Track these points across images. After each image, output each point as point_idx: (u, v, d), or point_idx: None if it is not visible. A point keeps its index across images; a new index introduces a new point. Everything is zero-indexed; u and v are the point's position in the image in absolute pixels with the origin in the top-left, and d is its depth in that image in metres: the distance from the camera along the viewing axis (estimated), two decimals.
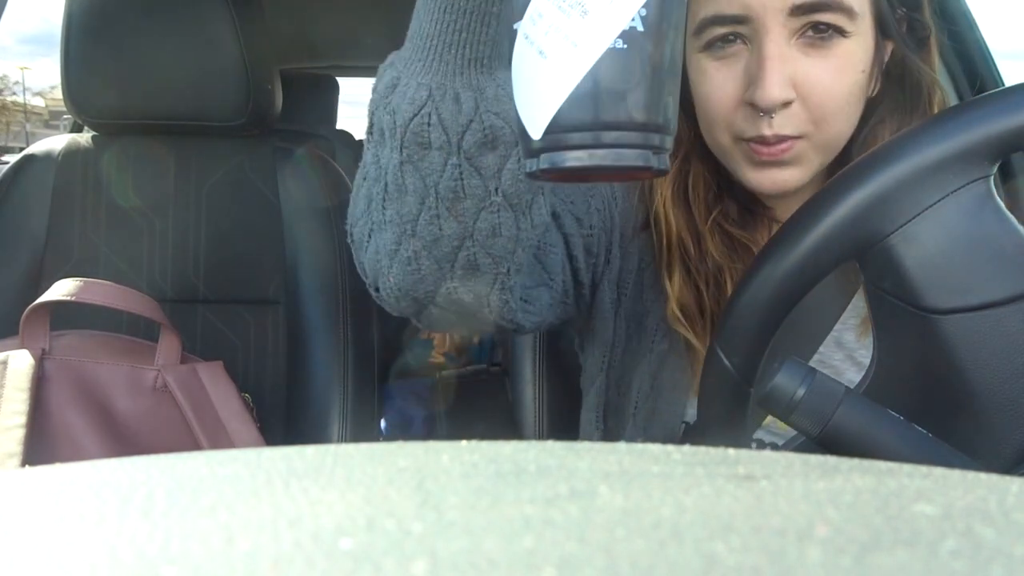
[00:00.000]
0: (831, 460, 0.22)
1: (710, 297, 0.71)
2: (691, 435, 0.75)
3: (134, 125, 1.15)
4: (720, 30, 0.64)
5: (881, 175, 0.44)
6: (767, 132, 0.63)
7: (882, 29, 0.65)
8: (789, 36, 0.62)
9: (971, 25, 1.16)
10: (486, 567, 0.14)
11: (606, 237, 0.74)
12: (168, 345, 0.96)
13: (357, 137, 2.72)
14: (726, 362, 0.48)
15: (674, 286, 0.72)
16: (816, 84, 0.63)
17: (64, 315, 0.95)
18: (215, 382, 0.97)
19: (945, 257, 0.44)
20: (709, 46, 0.65)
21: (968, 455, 0.44)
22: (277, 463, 0.21)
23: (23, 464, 0.79)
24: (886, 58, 0.68)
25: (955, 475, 0.21)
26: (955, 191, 0.44)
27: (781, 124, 0.63)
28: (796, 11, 0.61)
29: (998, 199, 0.44)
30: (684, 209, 0.72)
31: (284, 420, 1.12)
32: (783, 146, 0.64)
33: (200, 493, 0.19)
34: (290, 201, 1.16)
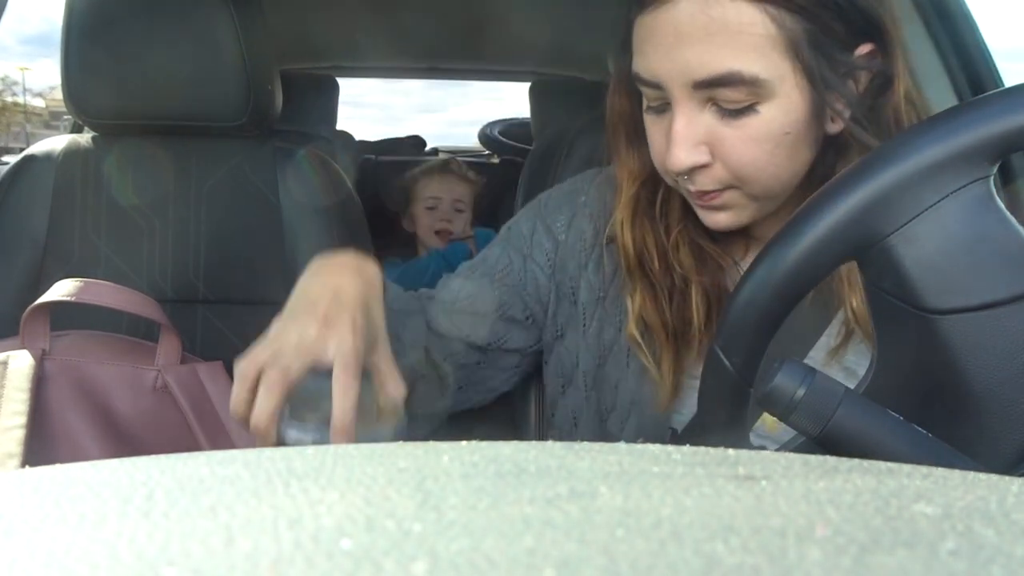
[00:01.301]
0: (831, 460, 0.22)
1: (673, 312, 0.72)
2: (683, 440, 0.75)
3: (134, 126, 1.15)
4: (646, 89, 0.65)
5: (881, 175, 0.44)
6: (690, 187, 0.66)
7: (815, 83, 0.61)
8: (702, 104, 0.62)
9: (971, 25, 1.16)
10: (486, 567, 0.14)
11: (540, 306, 0.80)
12: (168, 345, 0.96)
13: (357, 138, 2.72)
14: (726, 362, 0.48)
15: (635, 303, 0.73)
16: (731, 150, 0.63)
17: (64, 315, 0.95)
18: (215, 382, 0.97)
19: (945, 257, 0.44)
20: (649, 106, 0.67)
21: (968, 455, 0.44)
22: (277, 463, 0.21)
23: (23, 464, 0.79)
24: (851, 97, 0.64)
25: (955, 475, 0.21)
26: (955, 191, 0.44)
27: (701, 182, 0.65)
28: (699, 85, 0.61)
29: (998, 199, 0.44)
30: (646, 227, 0.73)
31: None
32: (709, 197, 0.66)
33: (200, 493, 0.19)
34: (290, 201, 1.16)
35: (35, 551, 0.16)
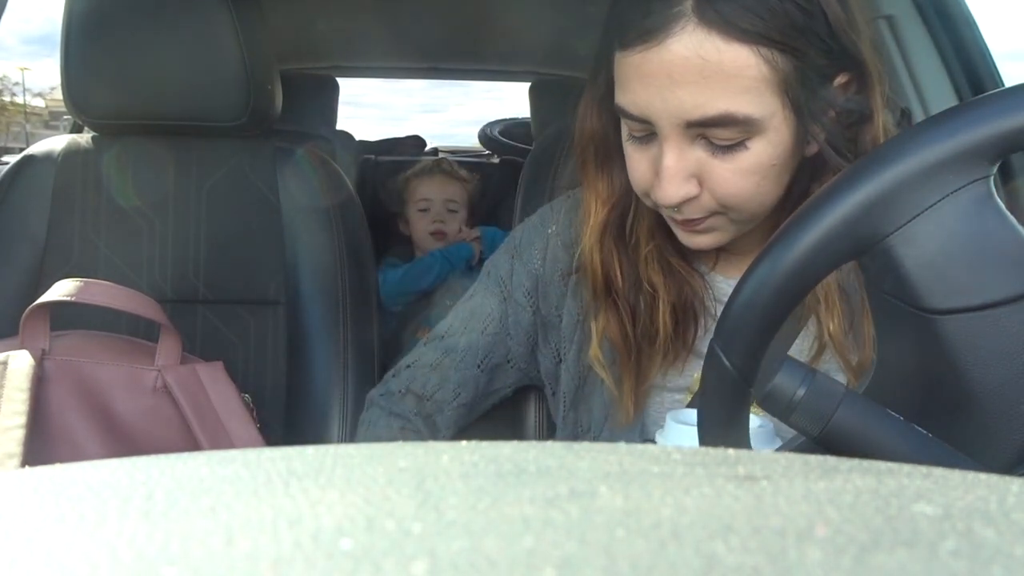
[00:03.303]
0: (831, 460, 0.22)
1: (638, 331, 0.74)
2: None
3: (134, 125, 1.15)
4: (631, 122, 0.65)
5: (881, 175, 0.44)
6: (676, 216, 0.67)
7: (801, 115, 0.62)
8: (692, 140, 0.62)
9: (971, 25, 1.16)
10: (486, 567, 0.14)
11: (525, 347, 0.84)
12: (168, 345, 0.96)
13: (357, 138, 2.72)
14: (726, 362, 0.48)
15: (599, 323, 0.75)
16: (720, 182, 0.63)
17: (64, 315, 0.95)
18: (215, 382, 0.97)
19: (945, 257, 0.44)
20: (631, 135, 0.67)
21: (968, 455, 0.44)
22: (277, 463, 0.21)
23: (23, 464, 0.79)
24: (829, 124, 0.65)
25: (955, 475, 0.21)
26: (955, 191, 0.44)
27: (688, 211, 0.66)
28: (691, 125, 0.61)
29: (998, 199, 0.44)
30: (614, 249, 0.74)
31: (284, 420, 1.12)
32: (693, 224, 0.67)
33: (200, 493, 0.19)
34: (290, 201, 1.16)
35: (35, 551, 0.16)
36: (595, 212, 0.74)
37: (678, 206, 0.65)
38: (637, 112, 0.63)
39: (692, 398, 0.76)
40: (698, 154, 0.63)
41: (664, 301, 0.73)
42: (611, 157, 0.73)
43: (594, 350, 0.75)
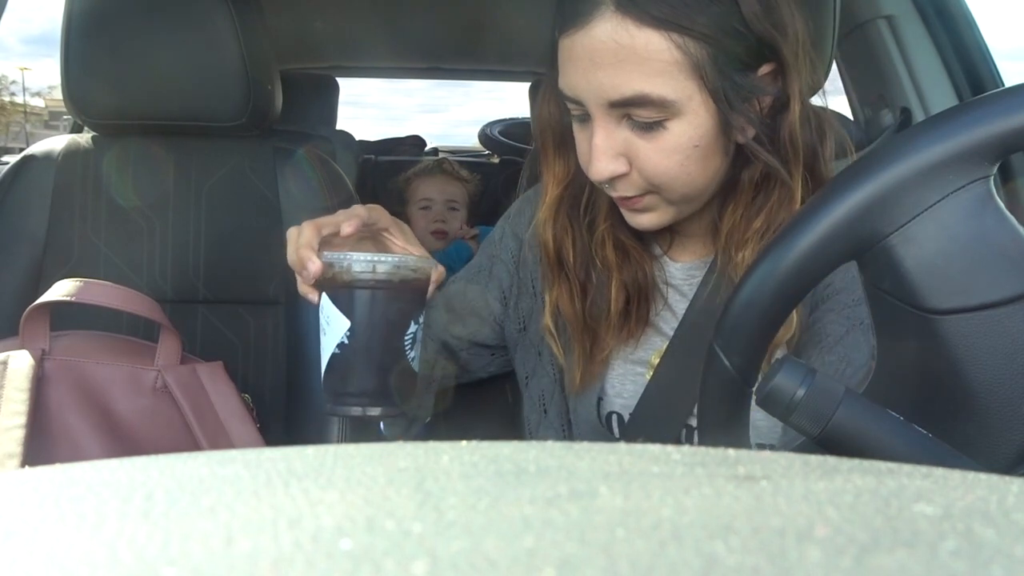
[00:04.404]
0: (831, 460, 0.22)
1: (588, 305, 0.78)
2: (631, 427, 0.80)
3: (134, 125, 1.15)
4: (571, 104, 0.70)
5: (881, 175, 0.44)
6: (612, 193, 0.71)
7: (719, 101, 0.65)
8: (618, 119, 0.67)
9: (971, 25, 1.16)
10: (486, 567, 0.14)
11: (502, 304, 0.89)
12: (168, 345, 0.96)
13: (357, 138, 2.73)
14: (726, 362, 0.48)
15: (551, 296, 0.80)
16: (645, 160, 0.67)
17: (64, 315, 0.95)
18: (215, 382, 0.97)
19: (945, 257, 0.44)
20: (575, 115, 0.71)
21: (968, 455, 0.44)
22: (277, 463, 0.21)
23: (23, 464, 0.79)
24: (762, 109, 0.68)
25: (955, 475, 0.21)
26: (955, 191, 0.43)
27: (621, 188, 0.70)
28: (613, 104, 0.65)
29: (998, 199, 0.44)
30: (567, 226, 0.79)
31: (284, 420, 1.12)
32: (631, 201, 0.71)
33: (200, 493, 0.19)
34: (290, 201, 1.16)
35: (35, 551, 0.16)
36: (551, 190, 0.80)
37: (611, 183, 0.69)
38: (570, 93, 0.68)
39: (652, 373, 0.79)
40: (625, 133, 0.67)
41: (616, 279, 0.77)
42: (566, 141, 0.77)
43: (546, 320, 0.80)
